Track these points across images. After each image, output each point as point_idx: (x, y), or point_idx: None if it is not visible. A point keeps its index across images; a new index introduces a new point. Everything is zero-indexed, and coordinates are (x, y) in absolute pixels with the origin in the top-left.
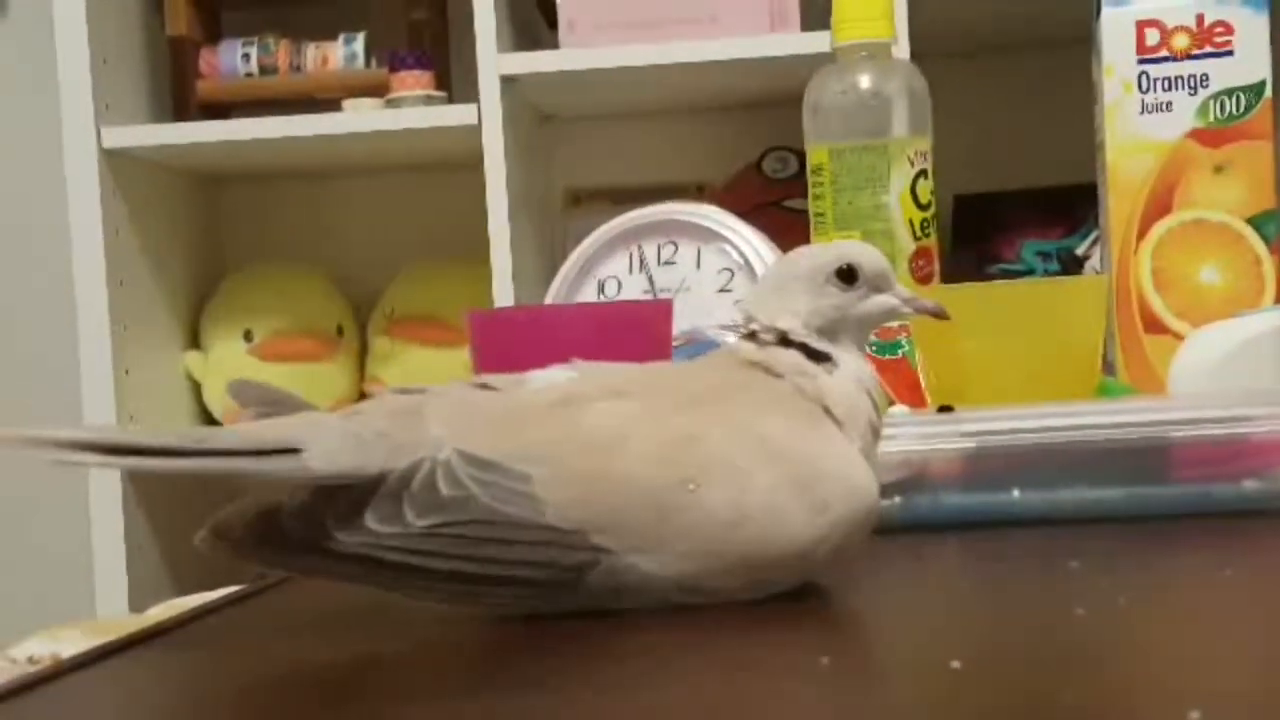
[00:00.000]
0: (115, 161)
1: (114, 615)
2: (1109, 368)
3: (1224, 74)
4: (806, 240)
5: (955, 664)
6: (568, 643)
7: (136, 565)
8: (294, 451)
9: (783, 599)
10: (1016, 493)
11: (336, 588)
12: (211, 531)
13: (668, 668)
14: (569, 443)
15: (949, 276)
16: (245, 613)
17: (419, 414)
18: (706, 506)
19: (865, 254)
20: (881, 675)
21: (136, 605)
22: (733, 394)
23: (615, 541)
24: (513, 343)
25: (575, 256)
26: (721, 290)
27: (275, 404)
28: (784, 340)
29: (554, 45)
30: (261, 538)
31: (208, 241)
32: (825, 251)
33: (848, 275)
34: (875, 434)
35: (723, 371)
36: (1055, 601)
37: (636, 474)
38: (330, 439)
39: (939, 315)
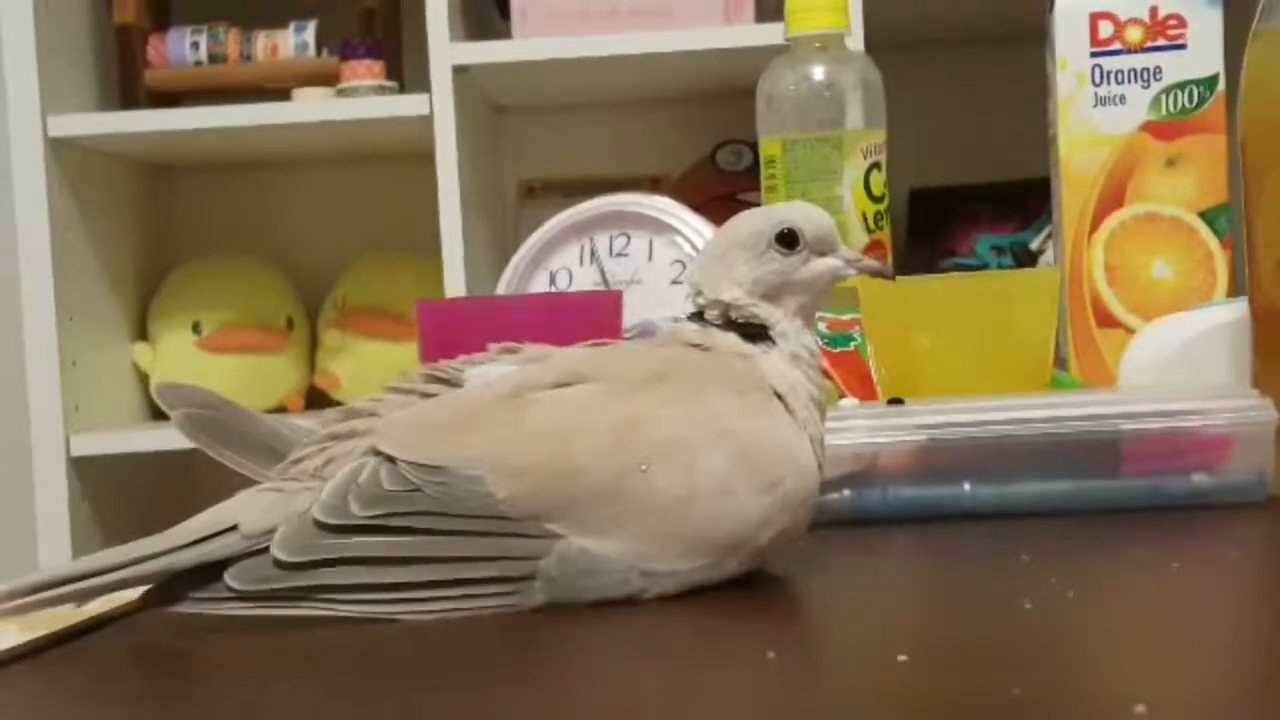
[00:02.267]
0: (61, 150)
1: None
2: (1061, 362)
3: (1177, 67)
4: None
5: (902, 657)
6: (510, 636)
7: (80, 553)
8: (231, 530)
9: (732, 593)
10: (967, 486)
11: None
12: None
13: (614, 660)
14: (518, 439)
15: (903, 270)
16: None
17: (362, 439)
18: (657, 486)
19: (807, 216)
20: (827, 668)
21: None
22: (681, 374)
23: (568, 527)
24: (462, 333)
25: (526, 248)
26: (674, 282)
27: (203, 406)
28: (726, 318)
29: (507, 35)
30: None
31: (156, 232)
32: (766, 216)
33: (788, 239)
34: (819, 408)
35: (671, 351)
36: (1004, 595)
37: (587, 462)
38: (260, 503)
39: (884, 275)
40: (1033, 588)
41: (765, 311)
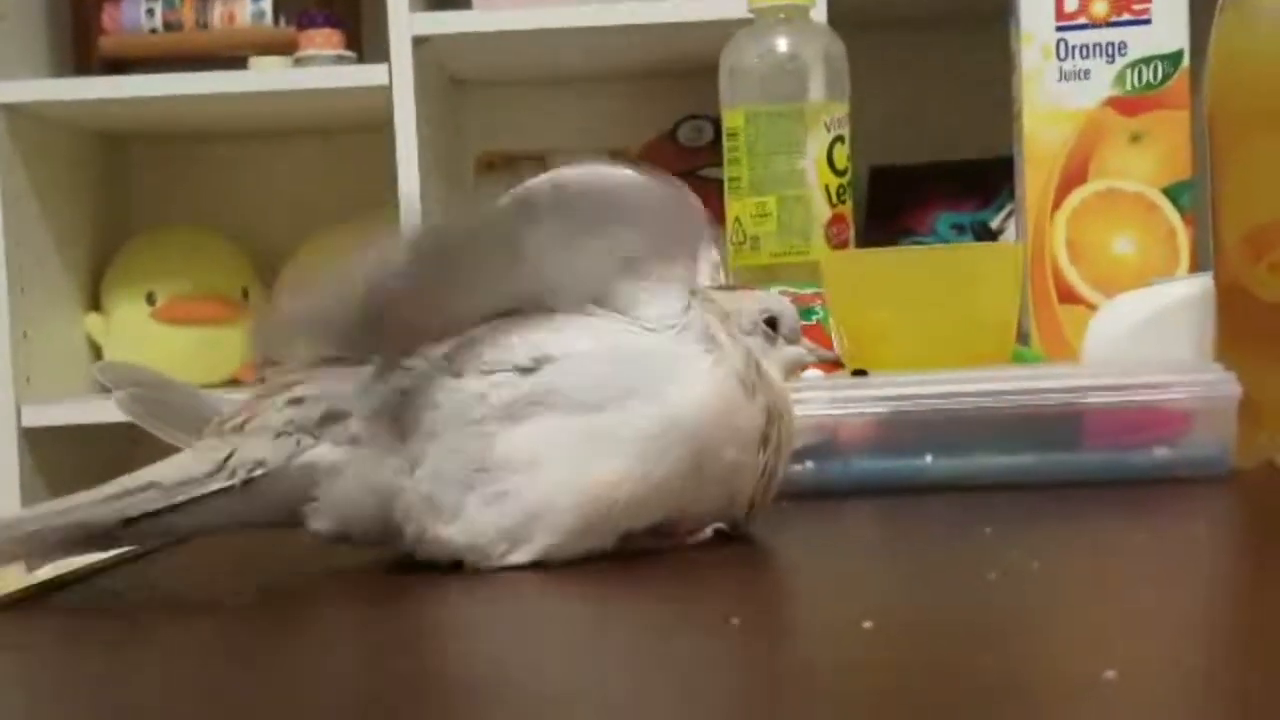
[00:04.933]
0: (14, 117)
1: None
2: (1023, 337)
3: (1142, 42)
4: (722, 209)
5: (867, 624)
6: (478, 594)
7: None
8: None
9: (694, 559)
10: (929, 458)
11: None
12: None
13: (578, 628)
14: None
15: (864, 247)
16: (136, 571)
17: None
18: None
19: (786, 308)
20: (791, 635)
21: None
22: None
23: None
24: None
25: None
26: None
27: (144, 384)
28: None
29: (467, 6)
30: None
31: (110, 202)
32: (756, 299)
33: (772, 324)
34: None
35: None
36: (969, 566)
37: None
38: (176, 460)
39: (836, 363)
40: (996, 559)
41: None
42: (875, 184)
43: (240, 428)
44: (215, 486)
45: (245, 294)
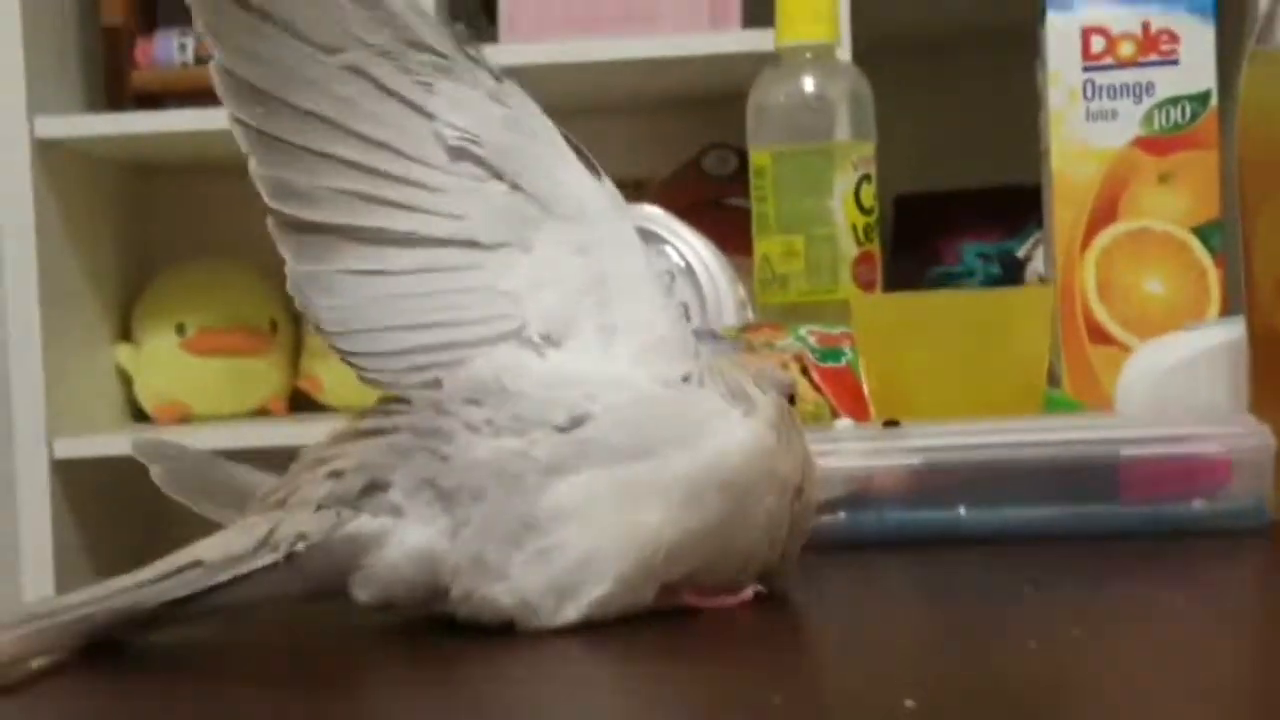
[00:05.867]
0: (48, 152)
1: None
2: (1054, 379)
3: (1169, 82)
4: (747, 238)
5: (909, 703)
6: (512, 671)
7: (64, 557)
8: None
9: (731, 624)
10: (963, 510)
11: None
12: None
13: (610, 702)
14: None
15: (889, 277)
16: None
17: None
18: None
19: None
20: (835, 715)
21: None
22: None
23: None
24: None
25: None
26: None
27: (179, 459)
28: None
29: (493, 39)
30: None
31: (140, 234)
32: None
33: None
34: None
35: None
36: (1009, 632)
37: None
38: (220, 539)
39: None
40: (1037, 624)
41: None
42: (901, 212)
43: (282, 502)
44: (260, 563)
45: (273, 325)
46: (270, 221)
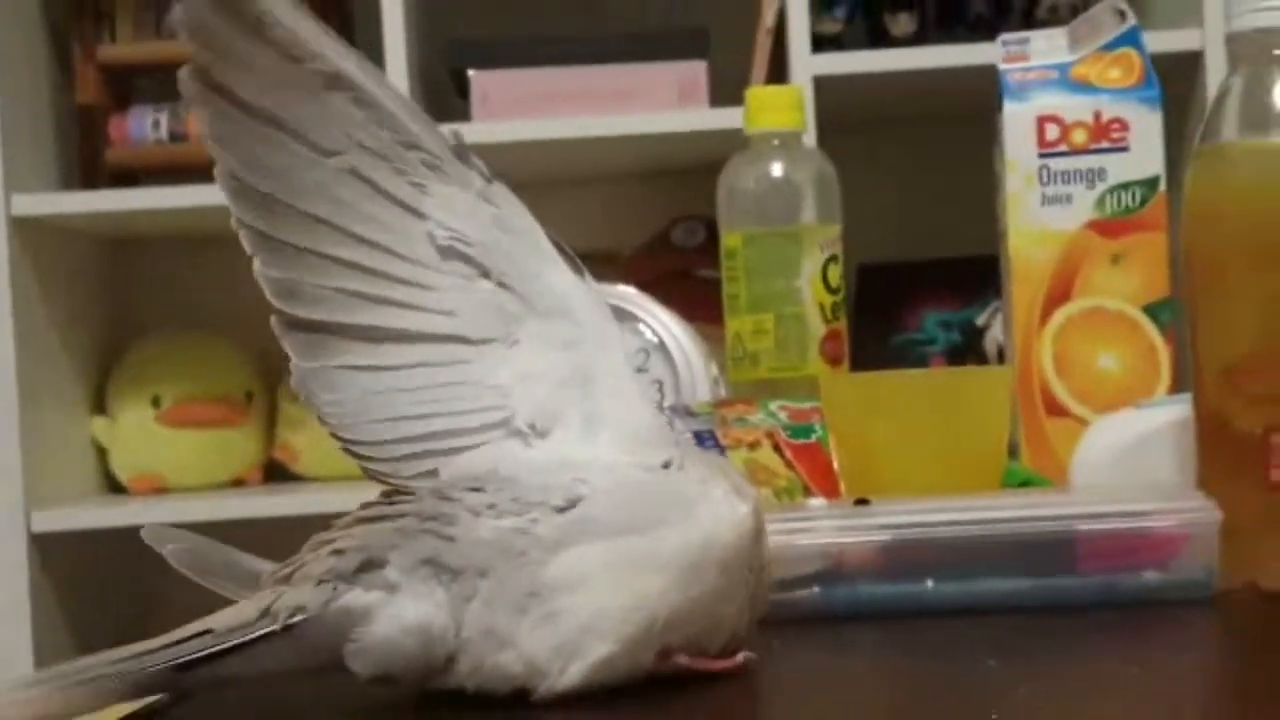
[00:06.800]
0: (24, 230)
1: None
2: (1013, 450)
3: (1120, 168)
4: (717, 308)
5: None
6: None
7: (42, 629)
8: (205, 633)
9: (717, 694)
10: (930, 583)
11: None
12: None
13: None
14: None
15: (854, 343)
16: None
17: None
18: None
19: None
20: None
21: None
22: None
23: None
24: None
25: None
26: (638, 370)
27: (187, 543)
28: None
29: (464, 114)
30: None
31: (115, 307)
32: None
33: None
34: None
35: None
36: (971, 702)
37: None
38: (231, 609)
39: None
40: (999, 698)
41: None
42: (864, 281)
43: (287, 578)
44: (260, 631)
45: (249, 397)
46: (274, 320)
